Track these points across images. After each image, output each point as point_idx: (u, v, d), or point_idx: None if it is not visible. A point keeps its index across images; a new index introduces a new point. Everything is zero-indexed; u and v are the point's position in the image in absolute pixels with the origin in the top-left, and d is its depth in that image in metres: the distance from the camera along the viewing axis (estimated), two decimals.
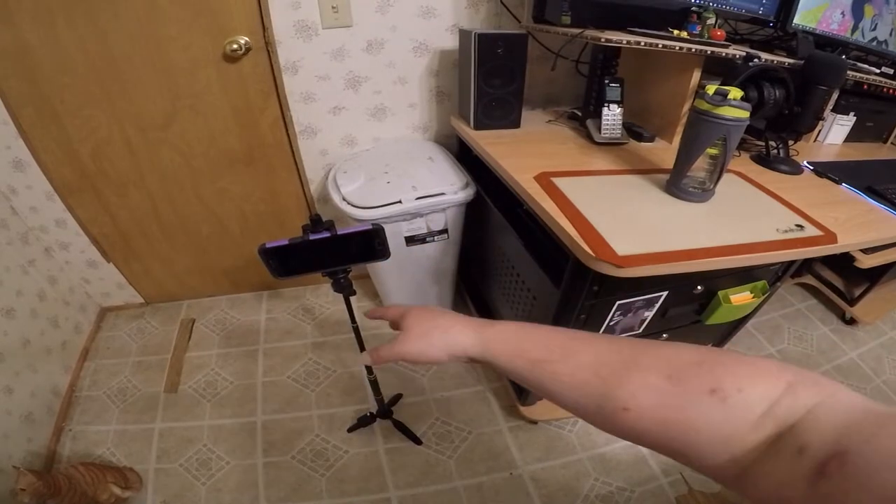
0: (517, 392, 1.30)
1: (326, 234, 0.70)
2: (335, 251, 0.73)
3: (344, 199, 1.19)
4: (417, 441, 1.27)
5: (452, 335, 0.43)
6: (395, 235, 1.23)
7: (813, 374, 0.29)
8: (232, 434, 1.30)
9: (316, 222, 0.71)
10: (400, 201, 1.16)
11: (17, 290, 1.26)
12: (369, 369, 1.14)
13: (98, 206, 1.39)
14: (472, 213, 1.31)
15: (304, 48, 1.20)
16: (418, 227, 1.25)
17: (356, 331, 1.04)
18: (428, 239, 1.30)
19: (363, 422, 1.29)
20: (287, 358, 1.53)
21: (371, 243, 0.73)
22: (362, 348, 1.06)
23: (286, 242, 0.69)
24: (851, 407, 0.25)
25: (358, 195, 1.19)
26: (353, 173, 1.28)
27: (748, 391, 0.28)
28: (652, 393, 0.31)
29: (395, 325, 0.49)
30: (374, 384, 1.17)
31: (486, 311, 1.55)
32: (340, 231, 0.71)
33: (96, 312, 1.67)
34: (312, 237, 0.70)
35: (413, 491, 1.18)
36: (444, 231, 1.30)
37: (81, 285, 1.59)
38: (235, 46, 1.12)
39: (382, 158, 1.35)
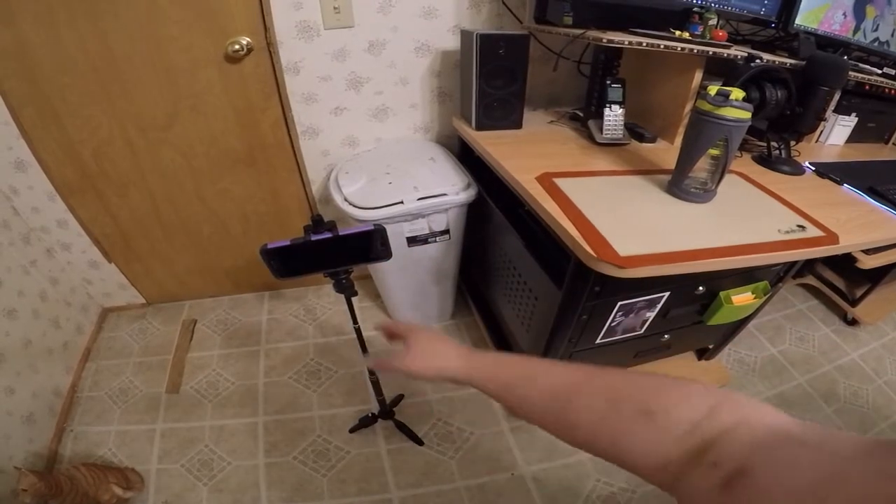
0: None
1: (328, 235, 0.70)
2: (337, 252, 0.73)
3: (346, 200, 1.19)
4: (419, 442, 1.27)
5: (446, 362, 0.52)
6: (396, 236, 1.23)
7: (737, 398, 0.33)
8: (233, 434, 1.30)
9: (318, 223, 0.71)
10: (402, 202, 1.16)
11: (18, 290, 1.27)
12: (371, 370, 1.14)
13: (99, 207, 1.39)
14: (474, 214, 1.31)
15: (305, 49, 1.20)
16: (420, 227, 1.25)
17: (358, 331, 1.04)
18: (430, 239, 1.30)
19: (364, 422, 1.29)
20: (289, 359, 1.53)
21: (373, 244, 0.73)
22: (364, 349, 1.06)
23: (288, 243, 0.69)
24: (765, 429, 0.29)
25: (360, 196, 1.19)
26: (354, 174, 1.28)
27: (675, 413, 0.33)
28: (595, 414, 0.37)
29: (392, 338, 0.58)
30: (376, 384, 1.17)
31: (487, 311, 1.55)
32: (342, 231, 0.71)
33: (98, 313, 1.67)
34: (314, 238, 0.70)
35: (415, 491, 1.18)
36: (446, 232, 1.30)
37: (83, 286, 1.59)
38: (237, 47, 1.12)
39: (384, 159, 1.35)
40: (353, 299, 0.93)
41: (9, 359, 1.18)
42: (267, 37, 1.16)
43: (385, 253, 0.74)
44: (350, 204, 1.18)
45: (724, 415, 0.31)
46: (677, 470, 0.31)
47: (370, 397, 1.38)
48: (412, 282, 1.44)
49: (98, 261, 1.53)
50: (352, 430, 1.30)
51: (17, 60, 1.07)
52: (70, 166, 1.28)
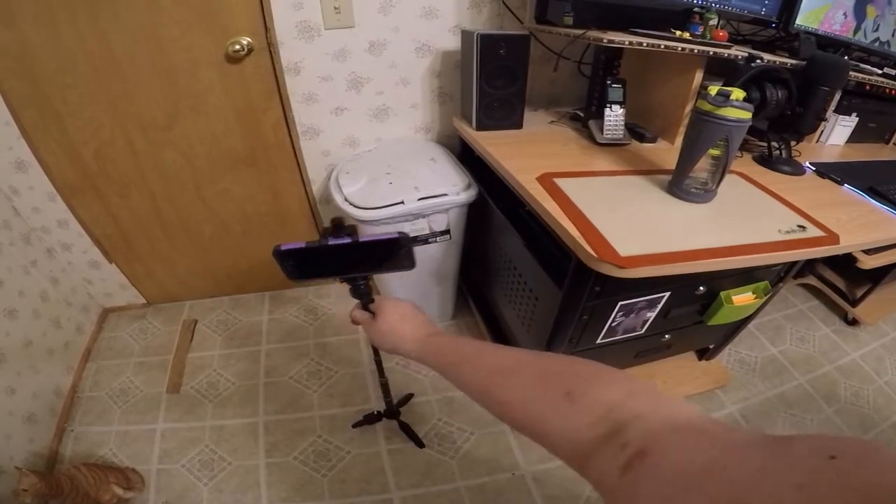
0: None
1: (347, 240, 0.66)
2: (355, 258, 0.70)
3: (346, 200, 1.19)
4: (420, 444, 1.27)
5: (403, 342, 0.59)
6: None
7: (654, 390, 0.35)
8: (234, 435, 1.30)
9: (338, 227, 0.68)
10: (402, 202, 1.16)
11: (19, 290, 1.27)
12: (381, 372, 1.11)
13: (100, 207, 1.39)
14: (475, 214, 1.31)
15: (306, 49, 1.20)
16: (420, 227, 1.25)
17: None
18: (430, 240, 1.30)
19: (370, 419, 1.29)
20: (289, 359, 1.53)
21: (395, 253, 0.68)
22: (375, 352, 1.04)
23: (303, 245, 0.65)
24: (671, 418, 0.30)
25: (360, 196, 1.19)
26: (355, 174, 1.28)
27: (594, 396, 0.35)
28: (526, 392, 0.40)
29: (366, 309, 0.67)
30: (385, 387, 1.15)
31: (488, 311, 1.55)
32: (362, 238, 0.66)
33: (98, 313, 1.67)
34: (331, 242, 0.67)
35: (415, 492, 1.18)
36: (447, 232, 1.30)
37: (83, 286, 1.59)
38: (238, 47, 1.12)
39: (384, 159, 1.35)
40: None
41: (9, 359, 1.18)
42: (267, 37, 1.16)
43: (409, 263, 0.69)
44: (350, 204, 1.18)
45: (639, 402, 0.33)
46: (589, 450, 0.32)
47: (371, 398, 1.38)
48: (413, 282, 1.44)
49: (99, 261, 1.53)
50: (355, 426, 1.29)
51: (18, 60, 1.07)
52: (71, 167, 1.28)
